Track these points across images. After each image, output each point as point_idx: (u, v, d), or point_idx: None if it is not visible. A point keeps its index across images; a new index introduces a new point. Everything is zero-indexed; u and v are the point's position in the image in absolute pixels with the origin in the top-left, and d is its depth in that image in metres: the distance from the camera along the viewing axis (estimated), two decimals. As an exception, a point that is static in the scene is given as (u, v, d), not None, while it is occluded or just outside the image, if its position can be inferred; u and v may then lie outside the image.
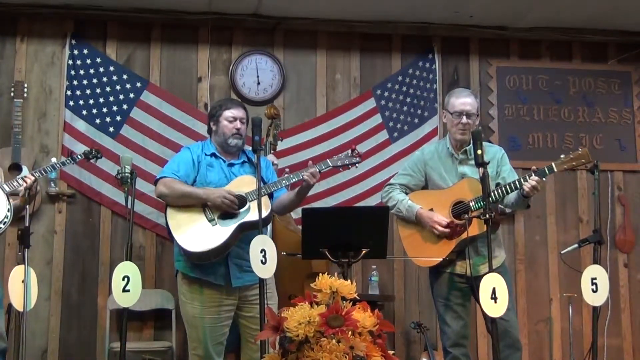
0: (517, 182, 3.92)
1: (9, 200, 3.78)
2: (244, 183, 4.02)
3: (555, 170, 3.92)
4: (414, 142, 5.77)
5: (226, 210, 3.93)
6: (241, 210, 3.95)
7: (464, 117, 4.13)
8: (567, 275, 5.71)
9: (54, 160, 4.27)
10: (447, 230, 4.03)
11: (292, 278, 4.36)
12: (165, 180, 4.02)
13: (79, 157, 4.31)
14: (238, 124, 4.10)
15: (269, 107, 5.33)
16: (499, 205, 4.17)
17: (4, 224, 3.78)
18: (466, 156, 4.18)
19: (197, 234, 3.91)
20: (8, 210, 3.78)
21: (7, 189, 3.87)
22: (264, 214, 3.77)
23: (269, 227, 4.88)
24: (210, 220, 3.94)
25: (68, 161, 4.28)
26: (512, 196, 4.01)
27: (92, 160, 4.45)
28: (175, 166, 4.08)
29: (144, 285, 3.61)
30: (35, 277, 3.51)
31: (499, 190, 3.96)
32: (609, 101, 6.14)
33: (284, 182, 4.06)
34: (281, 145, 5.35)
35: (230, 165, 4.13)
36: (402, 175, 4.34)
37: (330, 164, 4.12)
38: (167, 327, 5.33)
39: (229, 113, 4.12)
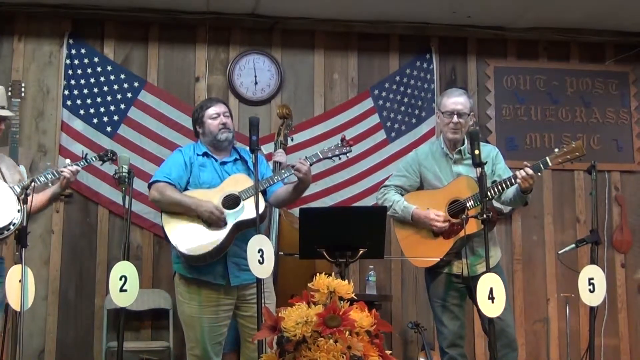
0: (512, 178, 3.92)
1: (19, 201, 3.77)
2: (236, 181, 4.03)
3: (550, 164, 3.91)
4: (411, 142, 5.77)
5: (213, 224, 3.93)
6: (235, 209, 3.94)
7: (455, 117, 4.14)
8: (565, 275, 5.72)
9: (68, 161, 4.25)
10: (445, 224, 4.03)
11: (296, 278, 4.36)
12: (158, 186, 4.03)
13: (94, 159, 4.33)
14: (222, 118, 4.13)
15: (281, 107, 5.32)
16: (497, 205, 4.17)
17: (13, 225, 3.81)
18: (461, 156, 4.19)
19: (193, 236, 3.91)
20: (18, 212, 3.79)
21: (42, 180, 3.98)
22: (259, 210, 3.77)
23: (275, 225, 4.89)
24: (205, 222, 3.94)
25: (91, 159, 4.31)
26: (510, 192, 4.01)
27: (107, 163, 4.47)
28: (167, 169, 4.09)
29: (141, 285, 3.62)
30: (32, 276, 3.50)
31: (495, 188, 3.95)
32: (607, 101, 6.15)
33: (276, 177, 4.06)
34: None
35: (223, 163, 4.14)
36: (396, 177, 4.34)
37: (321, 156, 4.12)
38: (165, 327, 5.33)
39: (210, 111, 4.15)
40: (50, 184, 4.17)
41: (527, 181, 3.83)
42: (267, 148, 5.34)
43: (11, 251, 5.22)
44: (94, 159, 4.33)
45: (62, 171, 4.05)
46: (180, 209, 3.97)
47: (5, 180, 3.98)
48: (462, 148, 4.18)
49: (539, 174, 3.90)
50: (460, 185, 4.08)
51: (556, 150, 3.96)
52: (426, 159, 4.27)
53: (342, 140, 4.18)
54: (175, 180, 4.03)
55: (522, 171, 3.85)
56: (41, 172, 4.12)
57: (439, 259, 4.08)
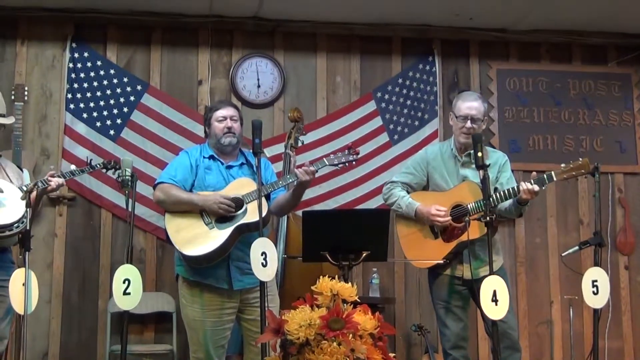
0: (515, 189, 3.92)
1: (28, 205, 3.77)
2: (241, 185, 4.02)
3: (555, 179, 3.95)
4: (414, 145, 5.77)
5: (223, 214, 3.93)
6: (238, 212, 3.94)
7: (469, 122, 4.13)
8: (568, 277, 5.71)
9: (73, 167, 4.29)
10: (447, 219, 4.02)
11: (303, 281, 4.35)
12: (163, 186, 4.02)
13: (98, 166, 4.33)
14: (229, 122, 4.10)
15: (292, 110, 5.30)
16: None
17: (16, 227, 3.81)
18: (469, 159, 4.17)
19: (195, 238, 3.91)
20: (23, 216, 3.79)
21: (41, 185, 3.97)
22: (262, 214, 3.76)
23: (283, 228, 4.89)
24: (207, 224, 3.94)
25: (96, 166, 4.32)
26: (506, 202, 4.02)
27: (110, 172, 4.47)
28: (172, 171, 4.08)
29: (144, 288, 3.61)
30: (35, 280, 3.51)
31: (496, 195, 3.95)
32: (609, 103, 6.14)
33: (280, 182, 4.05)
34: (280, 149, 5.34)
35: (229, 167, 4.13)
36: (404, 174, 4.35)
37: (327, 163, 4.11)
38: (168, 330, 5.33)
39: (218, 113, 4.13)
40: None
41: (531, 195, 3.85)
42: (271, 150, 5.36)
43: (14, 254, 5.25)
44: (98, 165, 4.33)
45: (49, 181, 4.03)
46: (186, 207, 3.96)
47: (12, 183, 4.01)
48: (471, 152, 4.17)
49: (543, 187, 3.91)
50: (463, 190, 4.09)
51: (562, 165, 3.97)
52: (435, 159, 4.28)
53: (349, 148, 4.18)
54: (180, 182, 4.03)
55: (527, 184, 3.85)
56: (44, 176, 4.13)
57: (441, 261, 4.07)
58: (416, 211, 4.14)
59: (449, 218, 4.04)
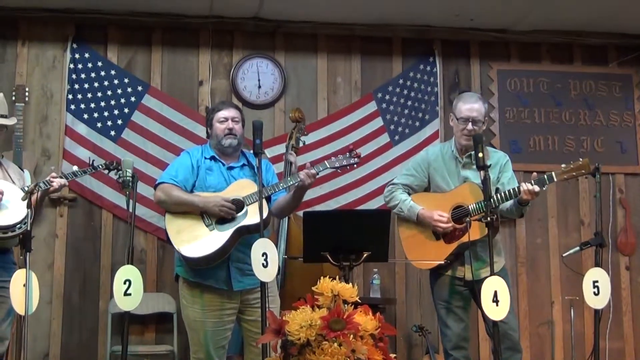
0: (516, 190, 3.92)
1: (29, 206, 3.77)
2: (242, 186, 4.02)
3: (555, 179, 3.95)
4: (415, 145, 5.77)
5: (224, 217, 3.92)
6: (238, 214, 3.94)
7: (470, 124, 4.12)
8: (569, 278, 5.71)
9: (75, 167, 4.30)
10: (449, 225, 4.02)
11: (303, 282, 4.35)
12: (164, 187, 4.02)
13: (100, 167, 4.33)
14: (230, 123, 4.10)
15: (294, 110, 5.30)
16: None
17: (19, 228, 3.82)
18: (470, 160, 4.16)
19: (195, 239, 3.90)
20: (26, 217, 3.79)
21: (43, 186, 3.97)
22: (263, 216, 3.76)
23: (284, 229, 4.88)
24: (208, 226, 3.93)
25: (98, 167, 4.32)
26: (508, 202, 4.02)
27: (112, 173, 4.46)
28: (173, 171, 4.08)
29: (145, 289, 3.61)
30: (36, 280, 3.51)
31: (498, 196, 3.95)
32: (610, 104, 6.14)
33: (281, 185, 4.05)
34: (281, 149, 5.34)
35: (230, 168, 4.12)
36: (405, 176, 4.34)
37: (328, 165, 4.11)
38: (169, 331, 5.33)
39: (220, 114, 4.13)
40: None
41: (532, 195, 3.85)
42: (271, 151, 5.35)
43: (15, 255, 5.24)
44: (100, 166, 4.33)
45: (51, 182, 4.05)
46: (187, 208, 3.96)
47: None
48: (472, 153, 4.16)
49: (544, 188, 3.91)
50: (464, 191, 4.09)
51: (563, 166, 3.97)
52: (436, 160, 4.27)
53: (350, 150, 4.17)
54: (181, 182, 4.02)
55: (528, 185, 3.85)
56: (46, 177, 4.13)
57: (442, 262, 4.07)
58: (418, 215, 4.14)
59: (451, 224, 4.04)
